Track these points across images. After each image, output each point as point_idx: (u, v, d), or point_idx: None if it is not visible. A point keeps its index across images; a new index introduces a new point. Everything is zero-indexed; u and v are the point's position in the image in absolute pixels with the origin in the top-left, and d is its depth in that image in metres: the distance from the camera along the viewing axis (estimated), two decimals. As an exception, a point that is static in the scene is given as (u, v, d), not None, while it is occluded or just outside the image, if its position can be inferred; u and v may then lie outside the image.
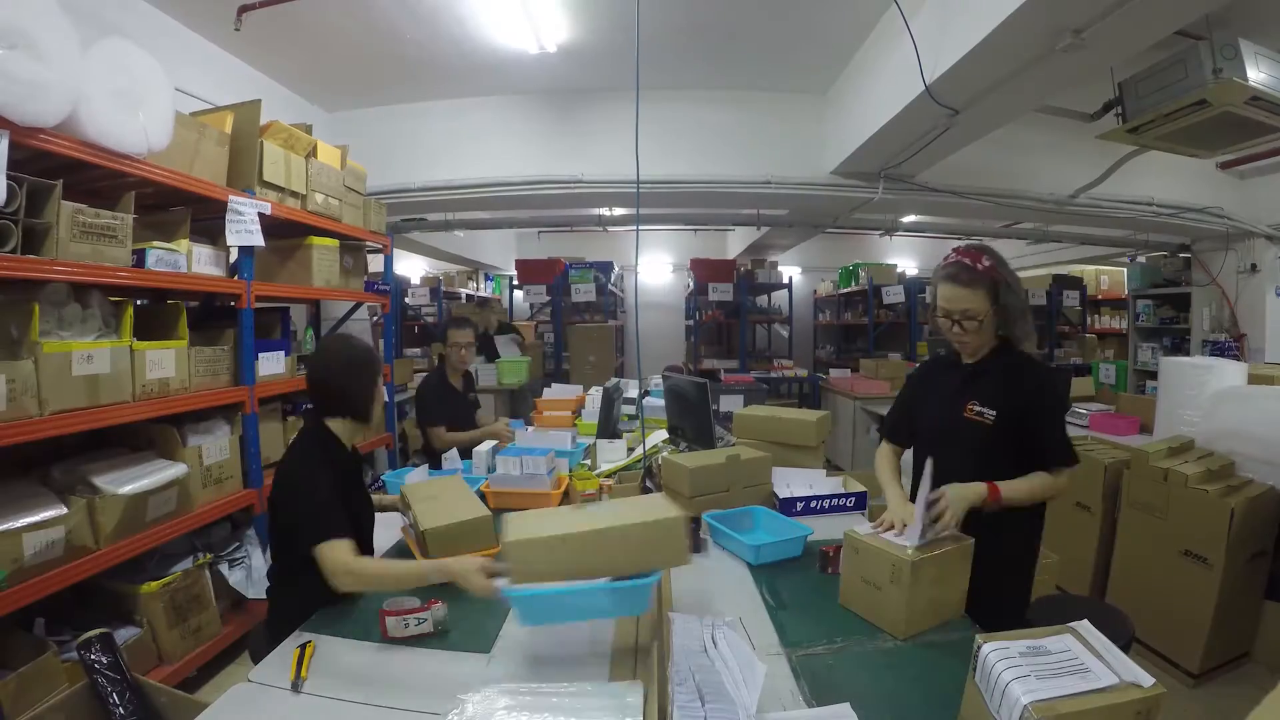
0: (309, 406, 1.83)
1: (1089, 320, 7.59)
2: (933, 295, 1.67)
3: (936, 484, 1.43)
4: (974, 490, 1.47)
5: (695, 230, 7.56)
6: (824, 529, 1.95)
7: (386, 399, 4.03)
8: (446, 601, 1.39)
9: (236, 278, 2.80)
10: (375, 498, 1.98)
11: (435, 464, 2.73)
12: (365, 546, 1.73)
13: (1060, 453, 1.58)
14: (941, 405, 1.71)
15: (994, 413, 1.58)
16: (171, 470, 2.35)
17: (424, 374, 5.88)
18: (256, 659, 1.40)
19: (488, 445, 2.60)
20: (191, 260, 2.52)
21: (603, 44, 3.72)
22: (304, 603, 1.51)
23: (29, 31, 1.75)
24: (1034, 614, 1.75)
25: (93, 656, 1.32)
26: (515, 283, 7.40)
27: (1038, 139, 4.49)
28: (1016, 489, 1.52)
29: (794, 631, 1.38)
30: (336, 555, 1.41)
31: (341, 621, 1.44)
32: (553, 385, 4.18)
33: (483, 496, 2.30)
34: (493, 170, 4.55)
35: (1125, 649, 1.70)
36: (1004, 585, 1.56)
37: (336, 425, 1.71)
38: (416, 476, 2.26)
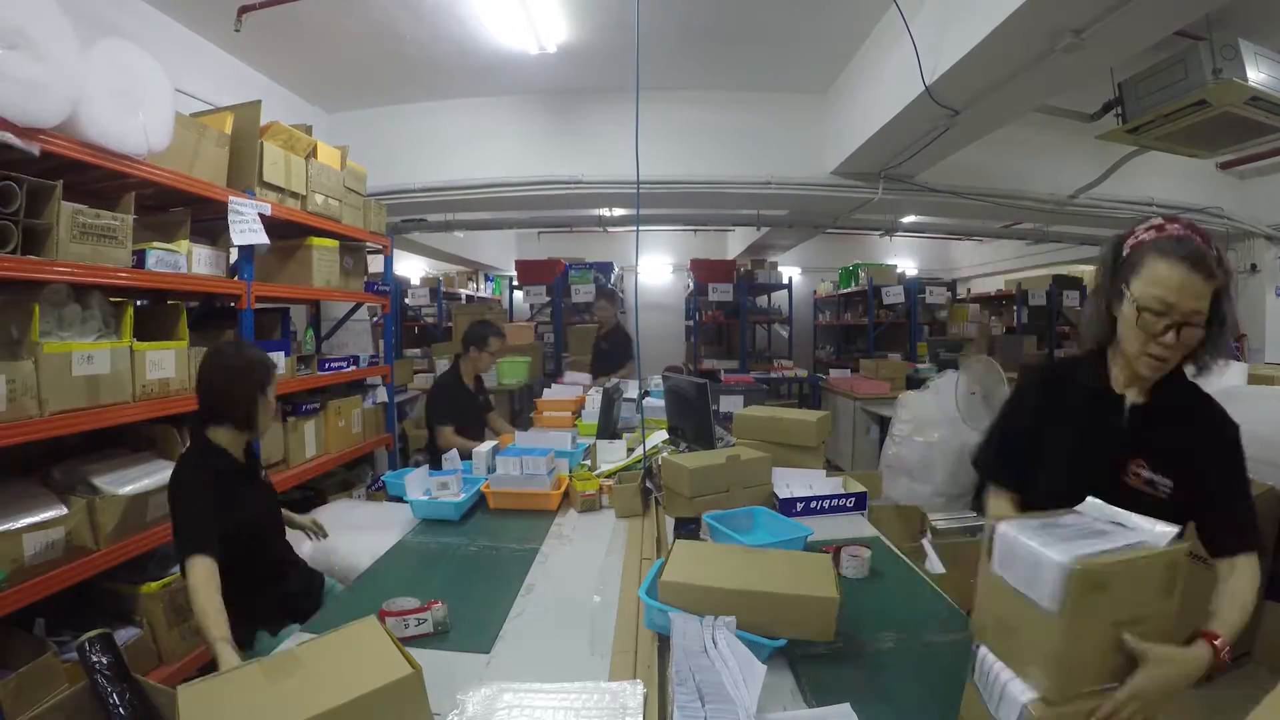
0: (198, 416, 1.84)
1: (1089, 320, 7.58)
2: (1141, 277, 1.09)
3: None
4: (1192, 664, 0.99)
5: (695, 230, 7.57)
6: (824, 529, 1.95)
7: (385, 399, 4.03)
8: (446, 601, 1.39)
9: (236, 278, 2.80)
10: (286, 515, 2.03)
11: (436, 464, 2.73)
12: (265, 548, 1.82)
13: (1247, 534, 1.09)
14: (1085, 457, 1.17)
15: (1170, 484, 1.10)
16: (171, 470, 2.35)
17: (423, 374, 5.92)
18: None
19: (488, 445, 2.60)
20: (191, 261, 2.52)
21: (602, 44, 3.72)
22: (240, 611, 1.52)
23: (29, 31, 1.75)
24: None
25: (93, 656, 1.32)
26: (515, 283, 7.40)
27: (1038, 139, 4.49)
28: (1234, 625, 1.04)
29: (794, 632, 1.37)
30: (192, 574, 1.48)
31: (343, 622, 1.43)
32: (553, 385, 4.22)
33: (482, 498, 2.31)
34: (493, 170, 4.55)
35: None
36: None
37: (220, 435, 1.76)
38: (417, 477, 2.26)
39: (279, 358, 3.01)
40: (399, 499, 2.35)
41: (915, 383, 5.50)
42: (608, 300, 5.46)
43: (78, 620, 2.12)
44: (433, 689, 0.95)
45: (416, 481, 2.23)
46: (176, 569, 2.44)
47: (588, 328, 6.41)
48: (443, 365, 4.75)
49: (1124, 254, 1.15)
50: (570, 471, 2.47)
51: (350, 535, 2.17)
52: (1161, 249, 1.08)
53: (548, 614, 1.49)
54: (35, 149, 1.80)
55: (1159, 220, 1.13)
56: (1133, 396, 1.17)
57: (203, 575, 1.47)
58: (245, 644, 1.60)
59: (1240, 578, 1.07)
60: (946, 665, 1.23)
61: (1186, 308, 1.05)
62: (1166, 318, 1.05)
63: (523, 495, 2.25)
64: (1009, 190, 4.60)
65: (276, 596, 1.75)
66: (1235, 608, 1.06)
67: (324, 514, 2.11)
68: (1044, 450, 1.23)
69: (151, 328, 2.41)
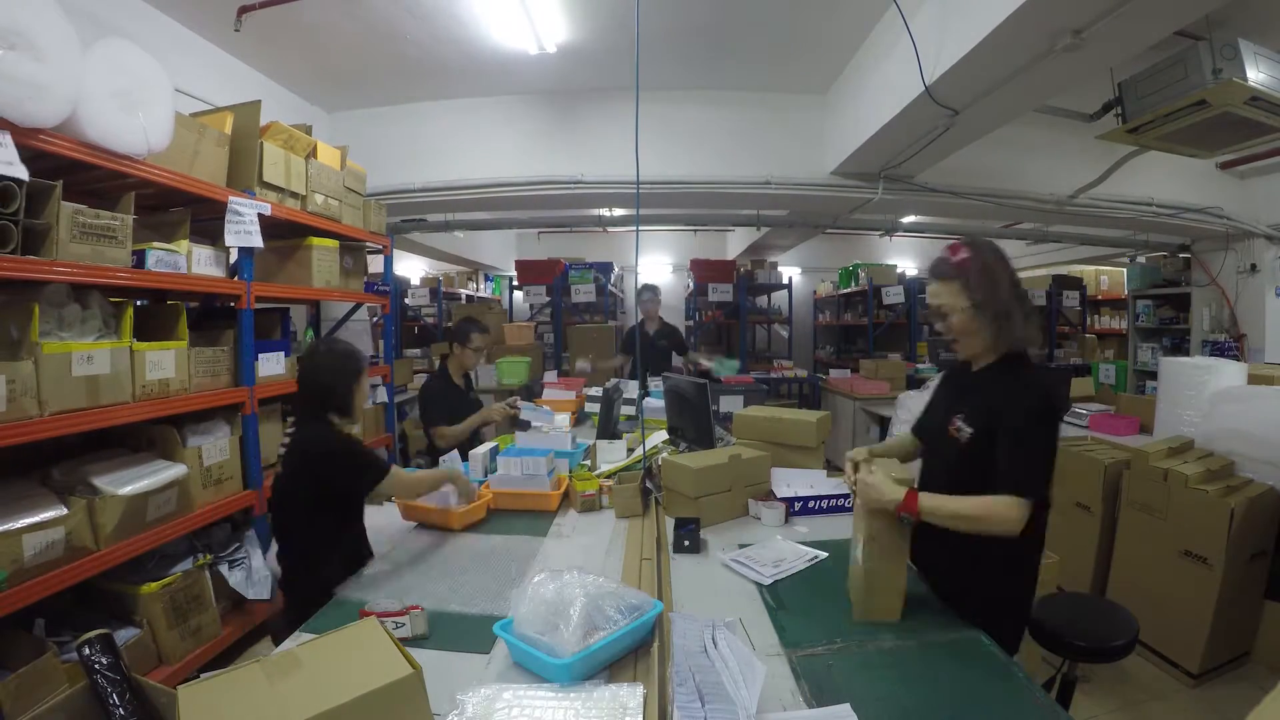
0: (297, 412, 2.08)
1: (1089, 320, 7.59)
2: None
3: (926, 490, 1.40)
4: (885, 493, 1.35)
5: (695, 231, 7.56)
6: (824, 529, 1.95)
7: (385, 399, 4.03)
8: (426, 610, 1.40)
9: (236, 278, 2.80)
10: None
11: (437, 464, 2.73)
12: (356, 523, 1.99)
13: (1010, 476, 1.34)
14: (935, 414, 1.64)
15: (970, 430, 1.45)
16: (171, 471, 2.35)
17: (423, 374, 5.91)
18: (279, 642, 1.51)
19: (485, 448, 2.60)
20: (191, 261, 2.52)
21: (602, 44, 3.72)
22: (324, 583, 1.69)
23: (29, 31, 1.75)
24: (1040, 612, 1.76)
25: (93, 657, 1.32)
26: (515, 283, 7.40)
27: (1038, 139, 4.49)
28: (941, 507, 1.35)
29: (794, 632, 1.38)
30: (397, 477, 1.89)
31: (340, 624, 1.43)
32: (547, 382, 4.25)
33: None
34: (493, 170, 4.55)
35: (1130, 647, 1.72)
36: (997, 584, 1.52)
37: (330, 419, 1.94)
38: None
39: (279, 358, 3.01)
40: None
41: (915, 383, 5.50)
42: (653, 293, 5.03)
43: (78, 620, 2.13)
44: (433, 689, 0.95)
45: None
46: (176, 569, 2.45)
47: (588, 328, 6.41)
48: (443, 366, 4.74)
49: None
50: (570, 471, 2.47)
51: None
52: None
53: (548, 614, 1.48)
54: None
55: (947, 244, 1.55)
56: (974, 370, 1.57)
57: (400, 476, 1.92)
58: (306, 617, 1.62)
59: (984, 501, 1.34)
60: (946, 665, 1.24)
61: (932, 303, 1.55)
62: (932, 313, 1.56)
63: (523, 495, 2.25)
64: (1009, 190, 4.60)
65: (356, 567, 1.85)
66: (954, 502, 1.36)
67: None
68: (930, 409, 1.72)
69: (151, 328, 2.41)
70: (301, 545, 1.88)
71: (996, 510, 1.32)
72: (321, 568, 1.76)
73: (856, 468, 1.50)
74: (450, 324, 6.66)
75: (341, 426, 1.96)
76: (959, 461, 1.47)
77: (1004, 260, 1.50)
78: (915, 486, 1.39)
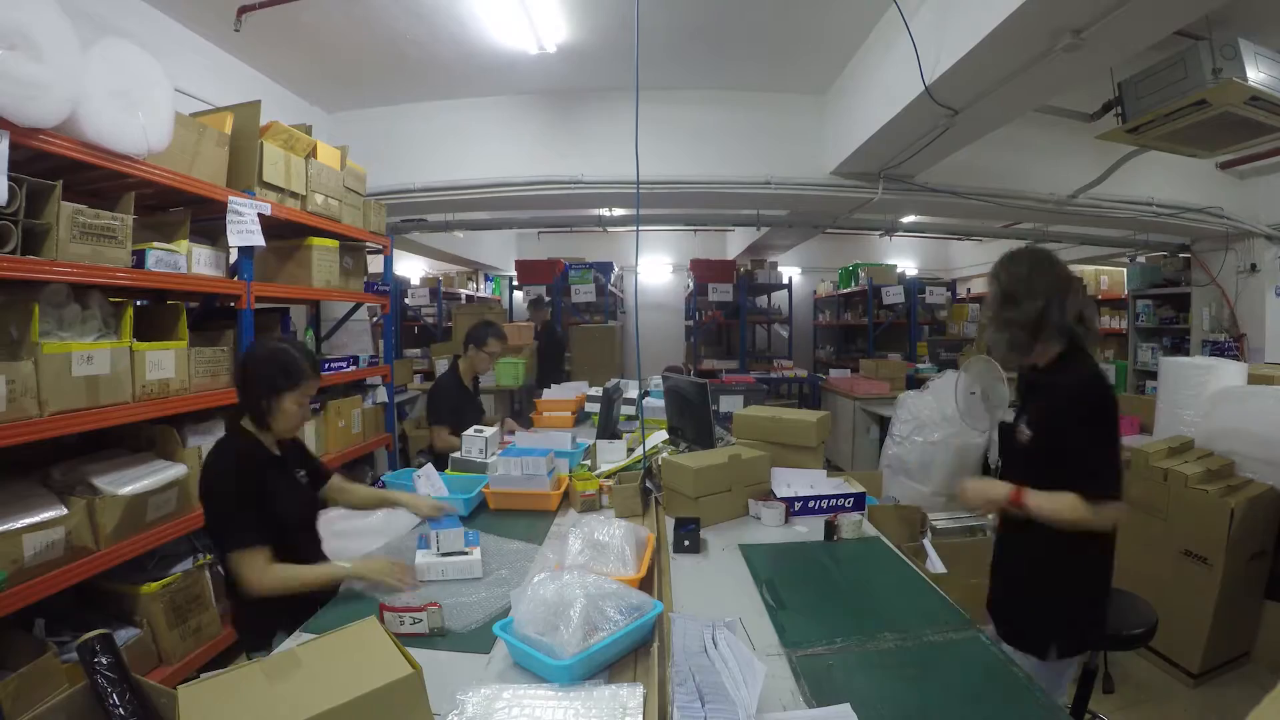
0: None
1: (1089, 320, 7.58)
2: None
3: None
4: (997, 489, 1.47)
5: (695, 230, 7.57)
6: (823, 529, 1.95)
7: (385, 399, 4.03)
8: (443, 606, 1.39)
9: (236, 278, 2.80)
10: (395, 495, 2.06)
11: (439, 464, 2.72)
12: (299, 542, 1.74)
13: (1088, 479, 1.43)
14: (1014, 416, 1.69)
15: (1029, 433, 1.53)
16: (171, 471, 2.35)
17: (422, 374, 5.91)
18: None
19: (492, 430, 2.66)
20: (191, 261, 2.52)
21: (602, 44, 3.72)
22: (258, 607, 1.58)
23: (29, 32, 1.75)
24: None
25: (93, 657, 1.32)
26: (515, 283, 7.40)
27: (1038, 139, 4.49)
28: (1043, 503, 1.46)
29: (794, 632, 1.38)
30: (243, 565, 1.53)
31: (342, 623, 1.43)
32: (552, 385, 4.18)
33: (483, 498, 2.30)
34: (493, 170, 4.55)
35: (1150, 635, 1.79)
36: (1027, 587, 1.54)
37: (249, 424, 1.74)
38: (427, 476, 2.25)
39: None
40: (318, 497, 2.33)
41: (915, 383, 5.50)
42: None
43: (78, 620, 2.13)
44: (433, 689, 0.95)
45: (425, 482, 2.22)
46: (176, 569, 2.45)
47: (589, 328, 6.42)
48: (442, 365, 4.74)
49: None
50: (570, 471, 2.47)
51: (352, 537, 2.16)
52: None
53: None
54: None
55: None
56: (1034, 373, 1.62)
57: (259, 559, 1.54)
58: (261, 646, 1.60)
59: (1074, 500, 1.42)
60: (947, 665, 1.24)
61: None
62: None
63: (523, 495, 2.25)
64: (1009, 190, 4.60)
65: (298, 600, 1.60)
66: (1052, 500, 1.45)
67: (325, 515, 2.10)
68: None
69: (151, 328, 2.41)
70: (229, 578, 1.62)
71: (1085, 514, 1.42)
72: (253, 607, 1.57)
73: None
74: (451, 323, 6.66)
75: (263, 439, 1.74)
76: (1024, 462, 1.54)
77: (1037, 271, 1.53)
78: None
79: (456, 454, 2.65)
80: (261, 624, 1.62)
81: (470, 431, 2.62)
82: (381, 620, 1.32)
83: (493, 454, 2.45)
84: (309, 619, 1.50)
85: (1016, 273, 1.54)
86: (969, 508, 1.50)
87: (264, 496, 1.63)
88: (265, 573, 1.53)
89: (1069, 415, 1.46)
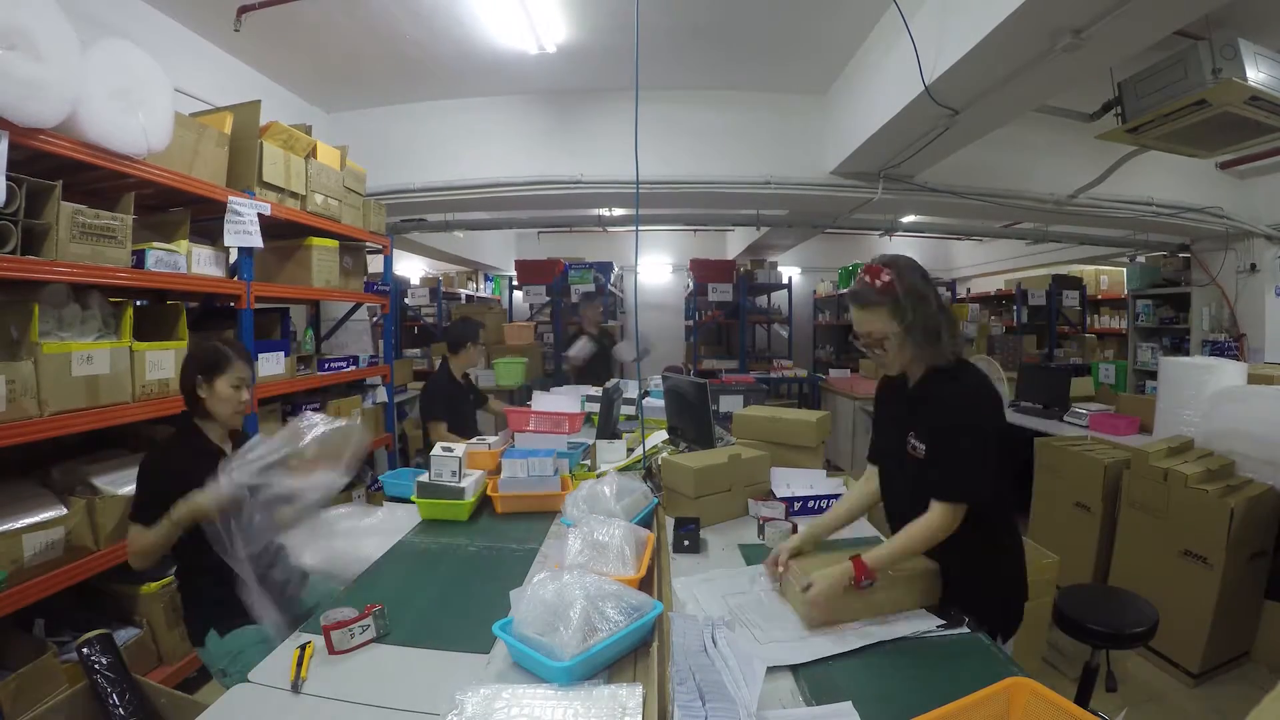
0: None
1: (1089, 320, 7.59)
2: None
3: (892, 514, 1.50)
4: (839, 572, 1.35)
5: (695, 230, 7.57)
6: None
7: (385, 399, 4.03)
8: (384, 604, 1.39)
9: (236, 278, 2.80)
10: None
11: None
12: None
13: (944, 483, 1.38)
14: (888, 434, 1.63)
15: (924, 446, 1.46)
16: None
17: (422, 374, 5.90)
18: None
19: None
20: (191, 261, 2.52)
21: (602, 44, 3.72)
22: (191, 600, 1.75)
23: (28, 31, 1.75)
24: (1063, 602, 1.86)
25: (93, 657, 1.32)
26: (515, 283, 7.40)
27: (1038, 139, 4.49)
28: (889, 553, 1.39)
29: (794, 631, 1.37)
30: (130, 537, 1.67)
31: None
32: (551, 390, 3.79)
33: (485, 499, 2.30)
34: (493, 170, 4.55)
35: (1150, 634, 1.79)
36: (978, 581, 1.52)
37: (201, 420, 1.84)
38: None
39: (279, 358, 3.01)
40: (398, 500, 2.34)
41: (915, 383, 5.48)
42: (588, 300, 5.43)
43: (78, 620, 2.13)
44: (432, 689, 0.96)
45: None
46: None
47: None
48: (443, 366, 4.74)
49: None
50: (570, 471, 2.47)
51: (352, 536, 2.16)
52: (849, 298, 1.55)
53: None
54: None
55: (863, 267, 1.51)
56: (911, 386, 1.55)
57: (138, 534, 1.67)
58: (194, 639, 1.73)
59: (918, 522, 1.39)
60: (947, 665, 1.23)
61: (863, 331, 1.49)
62: (863, 340, 1.50)
63: (533, 497, 2.23)
64: (1009, 190, 4.60)
65: (226, 596, 1.68)
66: (890, 546, 1.42)
67: (325, 515, 2.09)
68: (882, 430, 1.71)
69: (151, 328, 2.41)
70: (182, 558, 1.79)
71: (933, 521, 1.38)
72: (191, 590, 1.74)
73: (777, 562, 1.51)
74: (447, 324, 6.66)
75: (209, 433, 1.84)
76: (920, 478, 1.45)
77: (926, 276, 1.50)
78: (855, 556, 1.38)
79: (424, 478, 2.19)
80: (195, 618, 1.76)
81: (438, 450, 2.18)
82: (329, 641, 1.31)
83: (466, 477, 2.18)
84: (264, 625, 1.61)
85: (912, 282, 1.45)
86: (813, 621, 1.35)
87: (186, 485, 1.66)
88: (133, 541, 1.67)
89: (943, 415, 1.42)
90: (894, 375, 1.58)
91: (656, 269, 10.02)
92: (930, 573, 1.45)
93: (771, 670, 1.16)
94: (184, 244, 2.49)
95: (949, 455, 1.40)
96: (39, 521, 1.92)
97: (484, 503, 2.31)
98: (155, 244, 2.35)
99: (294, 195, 3.08)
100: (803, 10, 3.38)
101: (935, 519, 1.37)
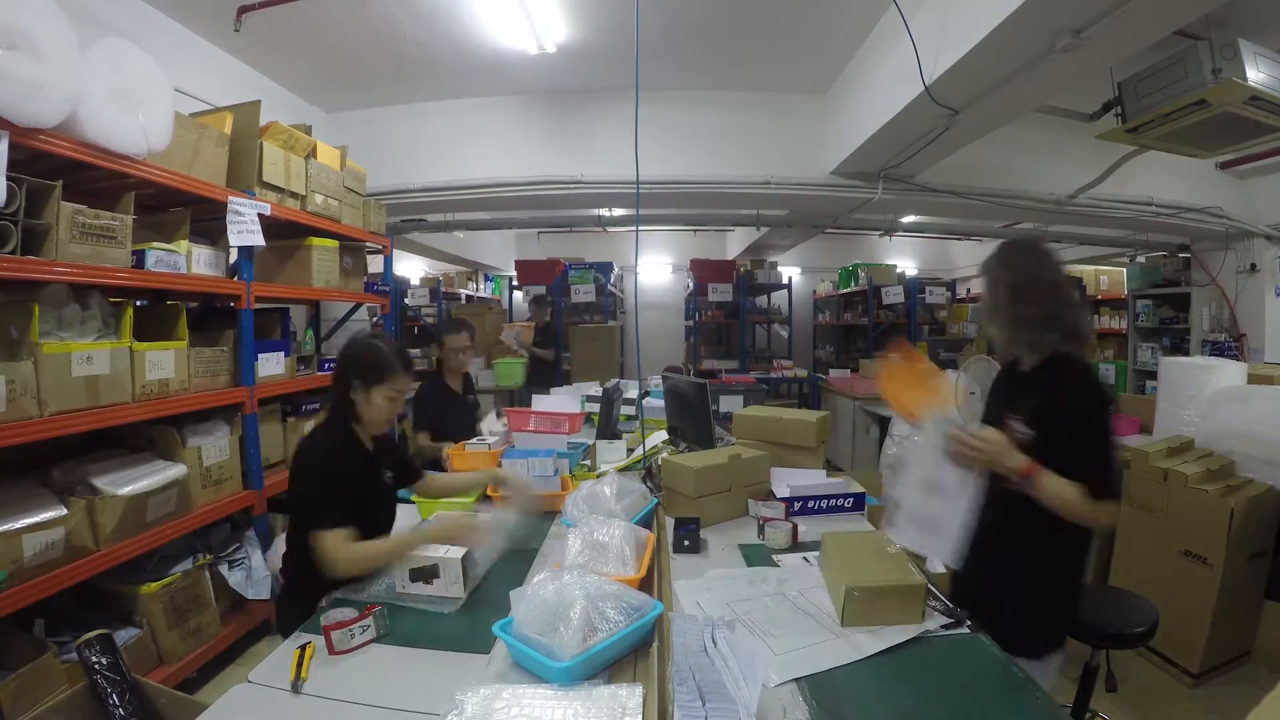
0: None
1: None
2: None
3: (991, 501, 1.44)
4: (1013, 456, 1.39)
5: (695, 230, 7.56)
6: (823, 529, 1.94)
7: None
8: (385, 606, 1.40)
9: (236, 278, 2.80)
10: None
11: (434, 469, 2.70)
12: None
13: (1093, 477, 1.38)
14: (992, 414, 1.61)
15: (1031, 433, 1.44)
16: (171, 471, 2.35)
17: (422, 374, 5.89)
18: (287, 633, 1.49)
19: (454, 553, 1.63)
20: (191, 261, 2.52)
21: (602, 44, 3.72)
22: (321, 581, 1.57)
23: (28, 31, 1.75)
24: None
25: (92, 657, 1.32)
26: (515, 283, 7.40)
27: (1038, 139, 4.49)
28: (1051, 488, 1.39)
29: (794, 632, 1.37)
30: (326, 544, 1.51)
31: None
32: (551, 391, 3.74)
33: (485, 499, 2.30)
34: (493, 170, 4.55)
35: (1150, 634, 1.79)
36: (1008, 582, 1.50)
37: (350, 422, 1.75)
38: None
39: (278, 358, 3.01)
40: (397, 500, 2.33)
41: (915, 383, 5.48)
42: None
43: (78, 620, 2.13)
44: (432, 689, 0.96)
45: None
46: (176, 569, 2.45)
47: (589, 328, 6.41)
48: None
49: None
50: (571, 471, 2.47)
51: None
52: None
53: (547, 614, 1.48)
54: None
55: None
56: (1023, 369, 1.56)
57: (342, 539, 1.53)
58: (284, 632, 1.58)
59: (1081, 495, 1.37)
60: (947, 665, 1.23)
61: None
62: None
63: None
64: (1009, 190, 4.60)
65: (340, 583, 1.61)
66: (1063, 483, 1.38)
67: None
68: (988, 412, 1.69)
69: (151, 328, 2.41)
70: (300, 555, 1.63)
71: (1086, 510, 1.38)
72: (308, 581, 1.58)
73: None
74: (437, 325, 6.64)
75: (358, 432, 1.75)
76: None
77: (1044, 261, 1.51)
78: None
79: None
80: (305, 605, 1.58)
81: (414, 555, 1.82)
82: (329, 641, 1.31)
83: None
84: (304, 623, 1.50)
85: (1024, 266, 1.50)
86: (961, 454, 1.40)
87: (350, 491, 1.64)
88: (342, 550, 1.53)
89: (1072, 415, 1.42)
90: (1008, 358, 1.62)
91: (656, 269, 10.02)
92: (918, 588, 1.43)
93: (770, 670, 1.16)
94: (184, 244, 2.49)
95: (1086, 443, 1.41)
96: (39, 521, 1.92)
97: (484, 503, 2.30)
98: (155, 244, 2.35)
99: (294, 195, 3.08)
100: (803, 10, 3.38)
101: (1086, 508, 1.37)
